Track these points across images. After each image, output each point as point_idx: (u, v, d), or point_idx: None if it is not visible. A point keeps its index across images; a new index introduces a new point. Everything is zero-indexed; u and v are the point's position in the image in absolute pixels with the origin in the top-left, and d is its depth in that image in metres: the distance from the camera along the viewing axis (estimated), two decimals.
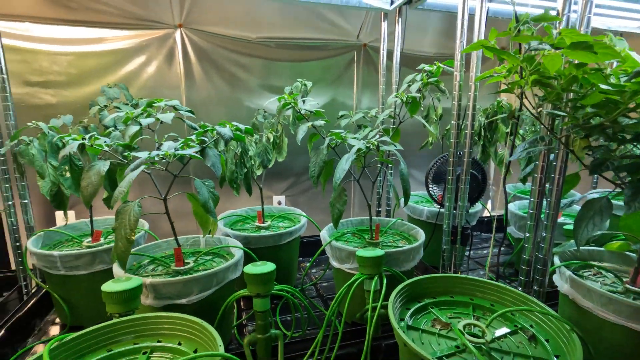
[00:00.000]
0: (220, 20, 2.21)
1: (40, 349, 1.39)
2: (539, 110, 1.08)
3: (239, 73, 2.33)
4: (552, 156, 1.11)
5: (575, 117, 0.99)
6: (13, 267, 1.84)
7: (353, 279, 1.22)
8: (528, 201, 1.13)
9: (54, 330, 1.50)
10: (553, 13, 1.04)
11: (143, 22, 2.10)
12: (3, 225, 1.85)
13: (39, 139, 1.32)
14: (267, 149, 1.62)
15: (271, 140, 1.64)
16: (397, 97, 1.49)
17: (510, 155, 1.19)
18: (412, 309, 1.04)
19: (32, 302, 1.52)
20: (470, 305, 1.08)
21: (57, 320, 1.55)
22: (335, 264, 1.45)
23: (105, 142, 1.19)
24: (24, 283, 1.61)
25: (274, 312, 1.56)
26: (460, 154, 1.48)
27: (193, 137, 1.21)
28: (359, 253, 1.22)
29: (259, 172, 1.68)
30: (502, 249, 2.32)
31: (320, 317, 1.55)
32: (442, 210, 1.83)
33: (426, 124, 1.51)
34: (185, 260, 1.33)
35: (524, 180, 1.64)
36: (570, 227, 1.44)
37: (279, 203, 2.63)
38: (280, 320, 1.53)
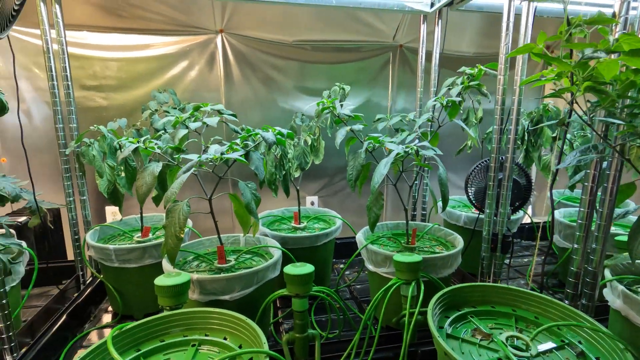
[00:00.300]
0: (258, 24, 2.28)
1: (95, 335, 1.51)
2: (591, 116, 1.03)
3: (275, 75, 2.39)
4: (604, 164, 1.06)
5: (632, 124, 0.94)
6: (70, 257, 2.01)
7: (390, 283, 1.22)
8: (574, 209, 1.09)
9: (107, 317, 1.62)
10: (608, 12, 0.99)
11: (187, 28, 2.21)
12: (62, 219, 2.02)
13: (98, 141, 1.43)
14: (305, 152, 1.66)
15: (309, 143, 1.68)
16: (436, 101, 1.47)
17: (559, 163, 1.15)
18: (451, 317, 1.03)
19: (88, 290, 1.65)
20: (513, 317, 1.05)
21: (110, 308, 1.67)
22: (370, 267, 1.46)
23: (157, 144, 1.27)
24: (81, 273, 1.74)
25: (309, 311, 1.59)
26: (502, 158, 1.44)
27: (238, 140, 1.27)
28: (396, 258, 1.22)
29: (296, 174, 1.72)
30: (535, 253, 2.22)
31: (354, 319, 1.57)
32: (482, 216, 1.79)
33: (466, 128, 1.48)
34: (227, 258, 1.40)
35: (572, 187, 1.56)
36: (623, 238, 1.36)
37: (312, 203, 2.66)
38: (315, 320, 1.56)
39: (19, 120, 1.40)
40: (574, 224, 1.74)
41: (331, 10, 2.27)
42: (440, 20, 1.89)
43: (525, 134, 1.76)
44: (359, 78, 2.52)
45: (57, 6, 1.57)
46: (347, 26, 2.36)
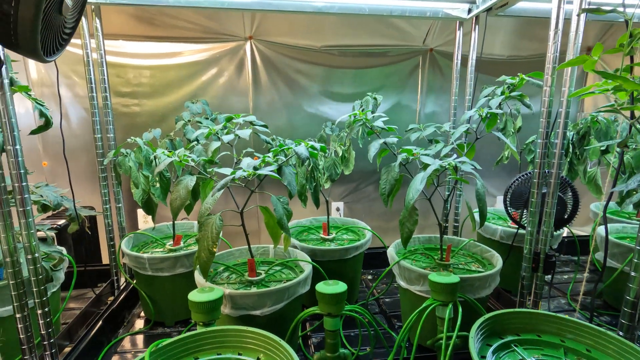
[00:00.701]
0: (287, 31, 2.27)
1: (128, 341, 1.54)
2: None
3: (301, 80, 2.38)
4: None
5: None
6: (105, 261, 2.07)
7: (425, 304, 1.18)
8: (620, 225, 1.00)
9: (139, 323, 1.66)
10: None
11: (217, 35, 2.23)
12: (97, 223, 2.09)
13: (135, 152, 1.46)
14: (336, 163, 1.63)
15: (340, 154, 1.65)
16: (476, 112, 1.41)
17: (614, 185, 1.06)
18: (493, 346, 0.98)
19: (122, 296, 1.69)
20: (561, 348, 0.98)
21: (142, 314, 1.71)
22: (402, 283, 1.42)
23: (191, 157, 1.28)
24: (115, 278, 1.79)
25: None
26: (546, 172, 1.36)
27: (270, 155, 1.26)
28: (432, 278, 1.17)
29: (327, 185, 1.70)
30: (585, 275, 2.09)
31: (384, 335, 1.52)
32: (521, 231, 1.71)
33: (506, 141, 1.40)
34: (257, 270, 1.39)
35: (620, 203, 1.46)
36: None
37: (338, 209, 2.63)
38: (344, 334, 1.53)
39: (62, 132, 1.45)
40: (621, 242, 1.64)
41: (358, 15, 2.23)
42: (477, 26, 1.81)
43: (570, 145, 1.66)
44: (387, 83, 2.47)
45: (97, 20, 1.61)
46: (375, 31, 2.32)
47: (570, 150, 1.67)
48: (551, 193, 1.34)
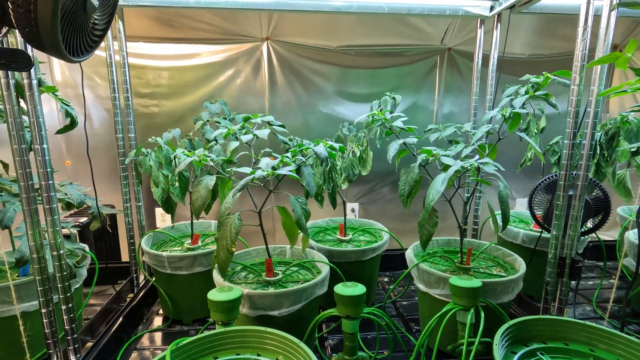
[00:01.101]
0: (303, 31, 2.27)
1: (147, 337, 1.56)
2: None
3: (317, 80, 2.37)
4: None
5: None
6: (124, 258, 2.11)
7: (445, 309, 1.15)
8: None
9: (158, 320, 1.68)
10: None
11: (234, 36, 2.24)
12: (117, 221, 2.13)
13: (155, 151, 1.48)
14: (353, 163, 1.62)
15: (357, 154, 1.63)
16: (499, 112, 1.37)
17: None
18: (518, 353, 0.95)
19: (141, 293, 1.72)
20: (591, 358, 0.95)
21: (161, 312, 1.73)
22: (421, 287, 1.39)
23: (210, 157, 1.29)
24: (135, 275, 1.83)
25: None
26: (572, 174, 1.31)
27: (289, 154, 1.25)
28: (453, 282, 1.15)
29: (344, 186, 1.68)
30: (612, 281, 2.02)
31: (402, 338, 1.50)
32: (545, 234, 1.65)
33: (531, 142, 1.36)
34: (274, 271, 1.39)
35: None
36: None
37: (353, 210, 2.61)
38: (361, 336, 1.51)
39: (85, 132, 1.48)
40: None
41: (377, 14, 2.22)
42: (499, 24, 1.77)
43: (598, 146, 1.60)
44: (403, 83, 2.44)
45: (120, 22, 1.65)
46: (392, 30, 2.29)
47: (598, 151, 1.60)
48: (578, 195, 1.29)
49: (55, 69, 2.18)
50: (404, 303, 1.80)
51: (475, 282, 1.13)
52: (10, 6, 0.57)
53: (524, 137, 1.40)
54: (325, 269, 1.35)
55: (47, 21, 0.58)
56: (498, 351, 0.89)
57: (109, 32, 1.62)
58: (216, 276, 1.29)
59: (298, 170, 1.20)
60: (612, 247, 2.18)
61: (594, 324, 0.99)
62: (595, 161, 1.63)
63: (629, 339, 0.93)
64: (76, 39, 0.72)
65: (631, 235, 1.67)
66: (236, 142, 1.36)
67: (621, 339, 0.94)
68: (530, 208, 1.56)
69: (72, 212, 2.06)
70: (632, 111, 1.00)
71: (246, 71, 2.31)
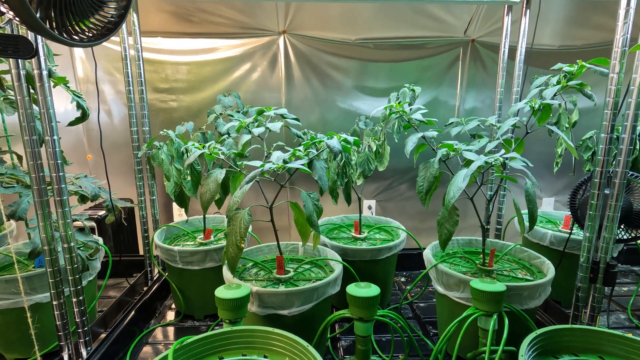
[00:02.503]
0: (321, 24, 2.21)
1: (159, 331, 1.56)
2: None
3: (335, 75, 2.31)
4: None
5: None
6: (140, 252, 2.13)
7: (466, 314, 1.07)
8: None
9: (170, 315, 1.68)
10: None
11: (251, 30, 2.21)
12: (134, 215, 2.15)
13: (167, 145, 1.47)
14: (369, 158, 1.55)
15: (374, 149, 1.57)
16: (527, 104, 1.27)
17: None
18: None
19: (154, 287, 1.72)
20: None
21: (173, 306, 1.73)
22: (440, 289, 1.32)
23: (221, 150, 1.26)
24: (149, 269, 1.83)
25: None
26: (610, 172, 1.20)
27: (300, 147, 1.20)
28: (474, 285, 1.07)
29: (359, 182, 1.62)
30: None
31: (418, 342, 1.43)
32: (574, 236, 1.54)
33: (561, 134, 1.26)
34: (286, 268, 1.35)
35: None
36: None
37: (369, 208, 2.54)
38: (375, 339, 1.45)
39: (99, 126, 1.49)
40: None
41: (397, 4, 2.13)
42: (528, 11, 1.65)
43: (638, 141, 1.47)
44: (424, 77, 2.34)
45: (134, 15, 1.64)
46: (413, 21, 2.20)
47: (637, 146, 1.47)
48: (615, 195, 1.18)
49: (77, 65, 2.21)
50: (421, 305, 1.72)
51: (499, 286, 1.05)
52: None
53: (555, 131, 1.29)
54: (338, 268, 1.30)
55: None
56: None
57: (124, 27, 1.62)
58: (226, 272, 1.26)
59: (310, 164, 1.16)
60: None
61: (633, 337, 0.89)
62: (634, 157, 1.50)
63: None
64: (74, 20, 0.69)
65: None
66: (248, 135, 1.33)
67: None
68: (573, 210, 1.44)
69: (91, 205, 2.09)
70: None
71: (263, 65, 2.28)
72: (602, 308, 1.47)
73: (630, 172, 1.33)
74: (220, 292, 1.03)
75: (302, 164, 1.12)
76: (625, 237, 1.36)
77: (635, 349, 0.88)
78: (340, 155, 1.16)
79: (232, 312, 1.01)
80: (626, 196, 1.33)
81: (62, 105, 2.12)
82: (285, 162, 1.13)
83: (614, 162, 1.20)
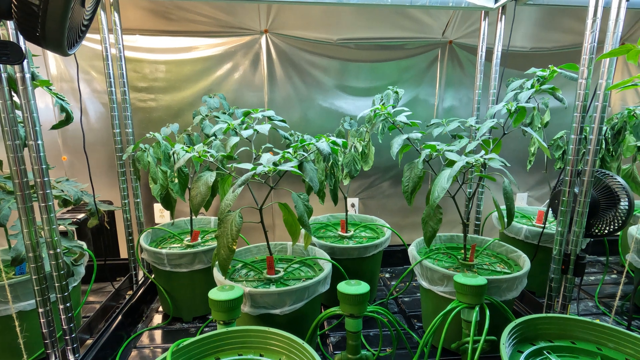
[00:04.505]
0: (303, 24, 2.23)
1: (147, 335, 1.54)
2: None
3: (317, 74, 2.34)
4: None
5: None
6: (122, 255, 2.09)
7: (450, 307, 1.13)
8: None
9: (158, 318, 1.66)
10: None
11: (232, 29, 2.20)
12: (115, 217, 2.10)
13: (153, 147, 1.45)
14: (355, 159, 1.59)
15: (359, 150, 1.61)
16: (504, 107, 1.34)
17: None
18: (525, 352, 0.94)
19: (140, 291, 1.70)
20: (598, 357, 0.93)
21: (160, 309, 1.72)
22: (424, 284, 1.38)
23: (210, 153, 1.26)
24: (134, 272, 1.80)
25: None
26: (579, 171, 1.30)
27: (290, 150, 1.22)
28: (458, 279, 1.13)
29: (346, 182, 1.66)
30: (613, 276, 2.01)
31: (405, 335, 1.49)
32: (547, 230, 1.64)
33: (535, 135, 1.34)
34: (276, 268, 1.37)
35: None
36: None
37: (353, 206, 2.59)
38: (363, 334, 1.50)
39: (82, 127, 1.45)
40: None
41: (379, 5, 2.17)
42: (504, 16, 1.73)
43: (603, 141, 1.58)
44: (404, 76, 2.41)
45: (115, 14, 1.60)
46: (393, 23, 2.25)
47: (603, 146, 1.58)
48: (584, 192, 1.27)
49: (50, 63, 2.13)
50: (406, 299, 1.79)
51: (481, 280, 1.11)
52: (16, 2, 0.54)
53: (529, 132, 1.37)
54: (327, 266, 1.34)
55: (56, 21, 0.55)
56: (505, 350, 0.88)
57: (105, 25, 1.57)
58: (217, 274, 1.27)
59: (300, 166, 1.18)
60: (614, 242, 2.18)
61: (601, 323, 0.97)
62: (600, 156, 1.61)
63: (638, 339, 0.92)
64: (72, 32, 0.69)
65: (633, 229, 1.66)
66: (236, 137, 1.33)
67: (629, 337, 0.93)
68: (552, 206, 1.52)
69: (69, 208, 2.03)
70: None
71: (245, 65, 2.27)
72: (572, 297, 1.58)
73: (601, 170, 1.43)
74: (214, 294, 1.04)
75: (292, 166, 1.15)
76: (595, 232, 1.45)
77: (603, 334, 0.96)
78: (329, 157, 1.18)
79: (227, 314, 1.03)
80: (593, 192, 1.43)
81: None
82: (275, 164, 1.15)
83: (581, 161, 1.29)
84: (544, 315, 1.00)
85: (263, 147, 1.54)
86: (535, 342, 0.98)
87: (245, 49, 2.24)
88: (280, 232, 2.55)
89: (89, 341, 1.36)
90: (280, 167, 1.12)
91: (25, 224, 1.04)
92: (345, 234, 1.74)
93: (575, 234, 1.30)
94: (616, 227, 1.36)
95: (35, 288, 1.08)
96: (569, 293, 1.36)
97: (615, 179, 1.38)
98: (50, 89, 1.16)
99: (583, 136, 1.29)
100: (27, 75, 0.97)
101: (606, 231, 1.38)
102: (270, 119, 1.43)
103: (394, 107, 1.51)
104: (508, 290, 1.25)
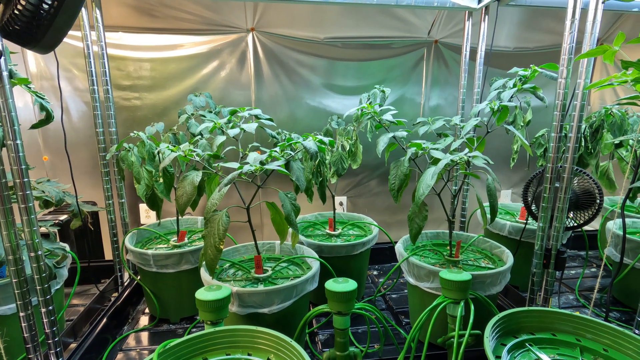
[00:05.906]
0: (290, 22, 2.22)
1: (133, 338, 1.52)
2: None
3: (304, 73, 2.34)
4: None
5: None
6: (107, 257, 2.05)
7: (436, 302, 1.15)
8: (631, 220, 0.97)
9: (144, 320, 1.64)
10: None
11: (218, 27, 2.18)
12: (99, 218, 2.06)
13: (137, 146, 1.43)
14: (343, 157, 1.60)
15: (347, 148, 1.61)
16: (487, 105, 1.37)
17: (633, 181, 1.04)
18: (508, 345, 0.96)
19: (126, 292, 1.67)
20: (577, 347, 0.97)
21: (147, 310, 1.69)
22: (411, 280, 1.40)
23: (196, 152, 1.25)
24: (119, 274, 1.77)
25: None
26: (559, 167, 1.33)
27: (277, 149, 1.22)
28: (443, 275, 1.15)
29: (333, 180, 1.67)
30: (593, 270, 2.08)
31: (392, 331, 1.51)
32: (529, 226, 1.68)
33: (517, 133, 1.37)
34: (264, 267, 1.37)
35: (633, 197, 1.43)
36: None
37: (341, 204, 2.61)
38: (351, 330, 1.51)
39: (63, 127, 1.41)
40: (632, 237, 1.62)
41: (365, 4, 2.18)
42: (487, 17, 1.76)
43: (582, 139, 1.63)
44: (390, 75, 2.43)
45: (97, 10, 1.57)
46: (379, 22, 2.27)
47: (582, 143, 1.63)
48: (564, 188, 1.31)
49: (29, 61, 2.07)
50: (393, 296, 1.81)
51: (465, 275, 1.13)
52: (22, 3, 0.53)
53: (511, 130, 1.40)
54: (315, 265, 1.34)
55: (61, 31, 0.54)
56: (489, 344, 0.90)
57: (86, 22, 1.54)
58: (204, 274, 1.26)
59: (287, 165, 1.18)
60: (593, 237, 2.25)
61: (580, 315, 1.01)
62: (579, 153, 1.66)
63: (615, 329, 0.95)
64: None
65: (611, 224, 1.72)
66: (223, 136, 1.32)
67: (607, 328, 0.96)
68: (526, 202, 1.57)
69: (51, 209, 1.98)
70: (619, 104, 1.01)
71: (231, 63, 2.25)
72: (554, 290, 1.63)
73: (576, 167, 1.47)
74: (201, 294, 1.03)
75: (279, 165, 1.15)
76: (572, 224, 1.50)
77: (582, 325, 1.00)
78: (316, 155, 1.19)
79: (214, 314, 1.02)
80: (573, 188, 1.48)
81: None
82: (262, 163, 1.14)
83: (562, 158, 1.33)
84: (525, 308, 1.03)
85: (250, 145, 1.54)
86: (517, 334, 1.00)
87: (231, 47, 2.22)
88: (269, 231, 2.54)
89: (73, 345, 1.33)
90: (267, 166, 1.12)
91: (5, 226, 1.01)
92: (333, 232, 1.75)
93: (555, 229, 1.34)
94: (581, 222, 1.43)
95: (16, 292, 1.06)
96: (550, 287, 1.40)
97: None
98: (30, 87, 1.13)
99: (563, 134, 1.33)
100: (5, 73, 0.94)
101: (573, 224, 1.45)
102: (257, 117, 1.42)
103: (380, 105, 1.53)
104: (492, 285, 1.28)
